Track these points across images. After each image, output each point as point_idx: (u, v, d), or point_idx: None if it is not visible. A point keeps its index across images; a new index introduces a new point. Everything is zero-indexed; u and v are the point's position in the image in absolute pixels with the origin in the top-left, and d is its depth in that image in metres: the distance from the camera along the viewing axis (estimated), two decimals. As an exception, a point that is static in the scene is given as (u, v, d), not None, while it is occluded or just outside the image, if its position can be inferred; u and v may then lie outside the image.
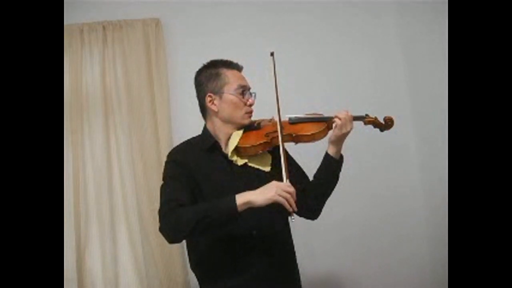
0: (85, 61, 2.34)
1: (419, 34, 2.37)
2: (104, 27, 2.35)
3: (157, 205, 2.17)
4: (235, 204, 1.22)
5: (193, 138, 1.52)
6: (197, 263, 1.46)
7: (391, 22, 2.56)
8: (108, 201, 2.26)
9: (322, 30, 2.54)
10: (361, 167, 2.33)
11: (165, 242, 2.17)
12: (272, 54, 1.46)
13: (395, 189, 2.44)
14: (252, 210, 1.25)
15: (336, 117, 1.42)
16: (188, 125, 2.00)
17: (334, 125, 1.42)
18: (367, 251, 2.40)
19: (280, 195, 1.21)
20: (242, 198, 1.23)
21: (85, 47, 2.34)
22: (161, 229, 1.33)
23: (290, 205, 1.23)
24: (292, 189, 1.24)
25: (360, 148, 2.04)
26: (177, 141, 2.21)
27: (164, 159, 2.24)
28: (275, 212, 1.33)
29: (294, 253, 1.50)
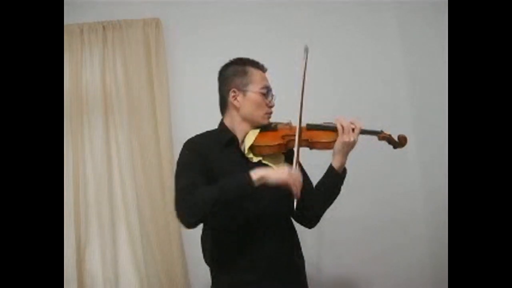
0: (85, 61, 2.34)
1: (419, 33, 2.37)
2: (104, 27, 2.35)
3: (157, 203, 2.24)
4: (250, 179, 1.26)
5: (209, 131, 1.52)
6: (210, 255, 1.47)
7: (391, 21, 2.56)
8: (108, 201, 2.26)
9: (322, 29, 2.54)
10: (361, 169, 2.32)
11: (165, 242, 2.23)
12: (306, 50, 1.47)
13: (395, 191, 2.43)
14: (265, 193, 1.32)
15: (338, 122, 1.43)
16: (188, 125, 2.00)
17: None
18: (368, 253, 2.39)
19: (291, 179, 1.28)
20: (256, 174, 1.27)
21: (85, 47, 2.34)
22: (178, 214, 1.32)
23: (297, 191, 1.29)
24: (300, 176, 1.32)
25: (360, 150, 2.03)
26: (177, 141, 2.22)
27: (164, 159, 2.28)
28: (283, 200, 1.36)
29: (301, 251, 1.52)
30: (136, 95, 2.32)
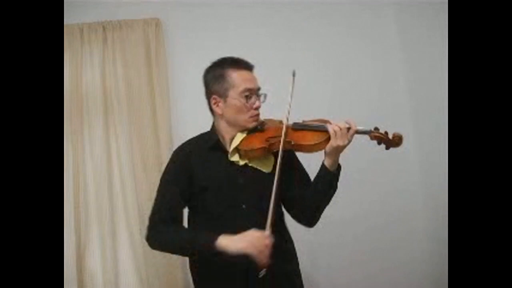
0: (85, 61, 2.34)
1: (419, 34, 2.37)
2: (104, 27, 2.35)
3: None
4: (214, 247, 1.27)
5: (201, 134, 1.52)
6: (195, 266, 1.48)
7: (391, 21, 2.56)
8: (108, 201, 2.26)
9: (322, 29, 2.54)
10: (361, 168, 2.33)
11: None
12: (294, 74, 1.43)
13: (395, 190, 2.44)
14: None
15: (331, 127, 1.36)
16: (188, 125, 2.00)
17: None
18: (367, 251, 2.40)
19: (254, 247, 1.24)
20: (220, 243, 1.27)
21: (85, 47, 2.34)
22: (146, 239, 1.42)
23: (262, 260, 1.25)
24: (267, 242, 1.25)
25: (359, 149, 2.03)
26: (177, 141, 2.21)
27: (164, 159, 2.27)
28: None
29: (294, 250, 1.51)
30: (136, 95, 2.32)
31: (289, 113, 1.41)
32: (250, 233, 1.27)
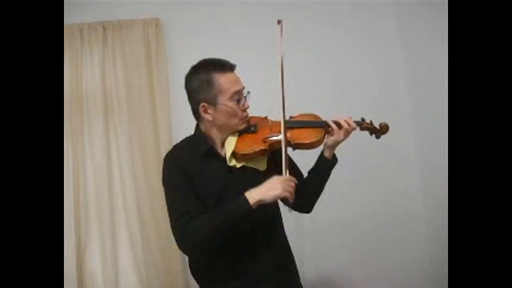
0: (85, 61, 2.35)
1: (419, 34, 2.37)
2: (104, 27, 2.35)
3: (157, 203, 2.24)
4: (249, 205, 1.26)
5: (186, 140, 1.48)
6: (198, 269, 1.47)
7: (391, 21, 2.56)
8: (108, 201, 2.26)
9: (322, 29, 2.54)
10: (361, 168, 2.34)
11: (165, 242, 2.22)
12: (279, 22, 1.41)
13: (395, 191, 2.44)
14: None
15: (336, 122, 1.43)
16: (188, 125, 1.99)
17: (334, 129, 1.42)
18: (367, 252, 2.40)
19: (286, 191, 1.27)
20: (253, 198, 1.26)
21: (85, 47, 2.34)
22: (178, 245, 1.33)
23: (291, 198, 1.28)
24: (294, 181, 1.30)
25: (359, 150, 2.04)
26: (177, 141, 2.21)
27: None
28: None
29: (291, 252, 1.51)
30: (136, 95, 2.33)
31: (282, 64, 1.39)
32: (275, 179, 1.29)
